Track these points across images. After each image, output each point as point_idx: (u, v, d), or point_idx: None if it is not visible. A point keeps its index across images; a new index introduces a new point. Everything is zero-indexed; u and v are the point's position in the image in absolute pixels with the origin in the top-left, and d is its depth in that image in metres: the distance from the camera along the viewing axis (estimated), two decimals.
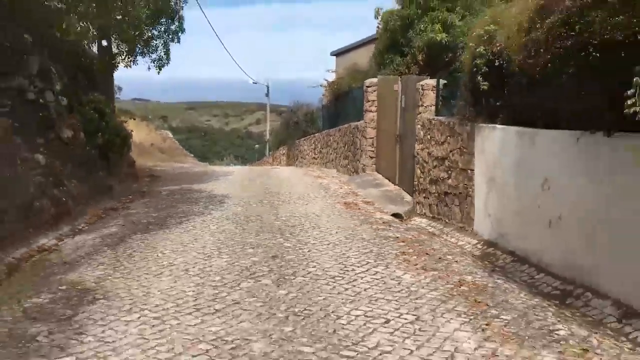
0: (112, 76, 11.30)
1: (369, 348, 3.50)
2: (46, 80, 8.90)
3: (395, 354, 3.43)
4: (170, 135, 26.57)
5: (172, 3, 10.60)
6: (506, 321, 4.00)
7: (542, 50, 4.43)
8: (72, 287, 4.68)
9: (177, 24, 11.42)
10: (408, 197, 9.85)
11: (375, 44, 15.78)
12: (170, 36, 11.32)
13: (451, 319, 4.02)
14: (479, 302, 4.37)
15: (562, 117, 4.75)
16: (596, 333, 3.80)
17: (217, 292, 4.57)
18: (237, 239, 6.43)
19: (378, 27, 15.24)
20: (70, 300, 4.34)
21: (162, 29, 11.13)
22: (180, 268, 5.25)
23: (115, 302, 4.30)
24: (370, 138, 12.53)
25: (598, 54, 3.90)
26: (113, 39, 9.95)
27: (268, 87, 34.73)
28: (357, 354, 3.41)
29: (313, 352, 3.43)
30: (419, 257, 5.84)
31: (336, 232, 6.92)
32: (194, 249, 5.96)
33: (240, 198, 9.48)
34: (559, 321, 4.01)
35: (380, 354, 3.42)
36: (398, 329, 3.82)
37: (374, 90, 12.32)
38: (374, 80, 12.51)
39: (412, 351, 3.47)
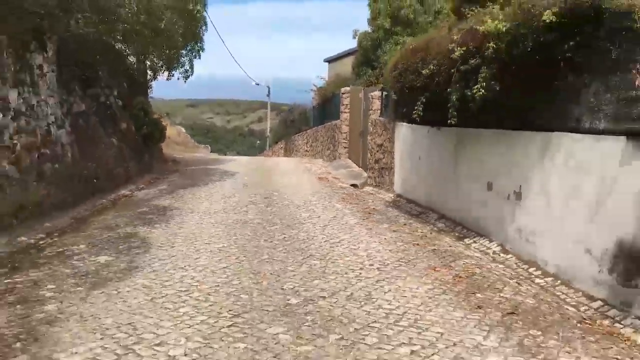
0: (150, 84, 15.32)
1: (312, 224, 7.50)
2: (110, 88, 12.90)
3: (321, 224, 7.42)
4: (183, 130, 30.61)
5: (198, 31, 14.59)
6: (378, 218, 8.02)
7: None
8: (155, 207, 8.68)
9: (199, 44, 15.43)
10: (365, 175, 13.82)
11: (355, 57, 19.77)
12: (194, 54, 15.35)
13: (352, 217, 8.03)
14: (370, 213, 8.39)
15: (425, 120, 8.73)
16: (418, 223, 7.79)
17: (233, 207, 8.57)
18: (244, 191, 10.44)
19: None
20: (158, 210, 8.34)
21: (189, 48, 15.14)
22: (212, 200, 9.25)
23: (182, 211, 8.30)
24: (344, 133, 16.53)
25: (407, 91, 7.79)
26: (155, 59, 13.97)
27: (269, 89, 38.71)
28: (304, 224, 7.40)
29: (280, 221, 7.42)
30: (352, 201, 9.84)
31: (307, 191, 10.93)
32: (218, 193, 9.97)
33: (245, 174, 13.50)
34: (405, 219, 8.01)
35: (313, 225, 7.41)
36: (322, 219, 7.81)
37: (347, 97, 16.31)
38: (347, 88, 16.51)
39: (327, 224, 7.47)
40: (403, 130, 10.10)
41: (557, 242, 5.20)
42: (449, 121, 6.43)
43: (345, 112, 16.51)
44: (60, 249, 5.89)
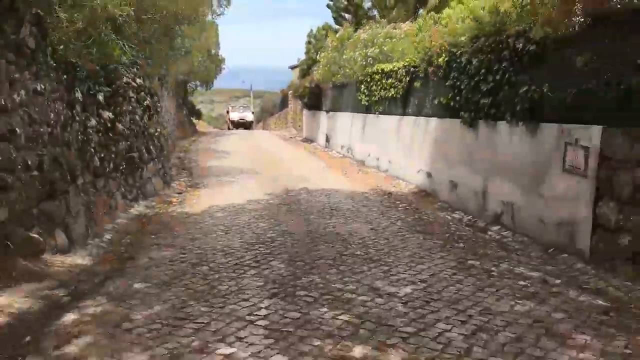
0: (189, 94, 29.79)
1: (272, 147, 22.19)
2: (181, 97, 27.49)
3: (274, 147, 22.13)
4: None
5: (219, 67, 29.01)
6: (295, 144, 22.79)
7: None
8: (210, 141, 23.31)
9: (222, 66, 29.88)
10: (295, 132, 28.57)
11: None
12: (215, 72, 29.82)
13: (285, 143, 22.78)
14: (292, 142, 23.18)
15: (311, 108, 23.52)
16: (308, 144, 22.52)
17: (239, 144, 23.27)
18: (242, 140, 25.14)
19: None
20: (210, 142, 23.00)
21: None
22: (229, 140, 23.89)
23: (219, 143, 22.91)
24: (290, 115, 31.22)
25: (307, 98, 22.53)
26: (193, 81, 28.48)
27: (251, 85, 53.23)
28: (268, 148, 22.09)
29: (258, 147, 22.13)
30: (288, 141, 24.58)
31: (271, 140, 25.62)
32: (231, 140, 24.64)
33: (240, 136, 28.20)
34: (307, 144, 22.75)
35: (271, 147, 22.11)
36: (275, 145, 22.53)
37: (291, 97, 30.98)
38: (291, 92, 31.23)
39: (276, 148, 22.19)
40: (305, 112, 24.90)
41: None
42: (324, 109, 21.23)
43: (290, 104, 31.24)
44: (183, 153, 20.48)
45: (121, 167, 8.10)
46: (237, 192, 9.65)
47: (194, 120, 33.65)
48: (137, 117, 9.31)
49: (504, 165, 7.12)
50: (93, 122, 7.17)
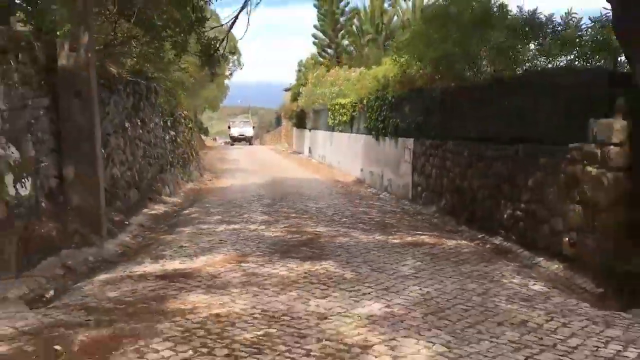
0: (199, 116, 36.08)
1: (267, 159, 28.48)
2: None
3: (269, 160, 28.41)
4: None
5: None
6: (287, 156, 29.09)
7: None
8: (220, 153, 29.61)
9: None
10: (287, 146, 34.86)
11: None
12: (221, 99, 36.11)
13: (279, 156, 29.07)
14: (285, 155, 29.48)
15: (301, 127, 29.87)
16: (297, 155, 28.80)
17: (240, 156, 29.56)
18: (240, 152, 31.42)
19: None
20: (222, 153, 29.30)
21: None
22: (233, 153, 30.22)
23: (227, 153, 29.20)
24: (283, 131, 37.55)
25: (296, 118, 28.87)
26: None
27: (249, 106, 59.61)
28: (264, 160, 28.36)
29: (254, 158, 28.39)
30: (281, 154, 30.87)
31: (266, 153, 31.93)
32: (234, 153, 30.95)
33: (239, 149, 34.47)
34: (295, 155, 29.04)
35: (267, 158, 28.39)
36: (270, 158, 28.80)
37: (284, 117, 37.31)
38: (283, 112, 37.59)
39: (272, 160, 28.48)
40: (294, 130, 31.25)
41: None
42: (307, 128, 27.59)
43: (283, 123, 37.61)
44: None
45: (180, 163, 14.37)
46: (244, 179, 15.94)
47: (203, 137, 39.97)
48: (185, 134, 15.62)
49: (386, 160, 13.40)
50: (167, 137, 13.46)
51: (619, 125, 5.45)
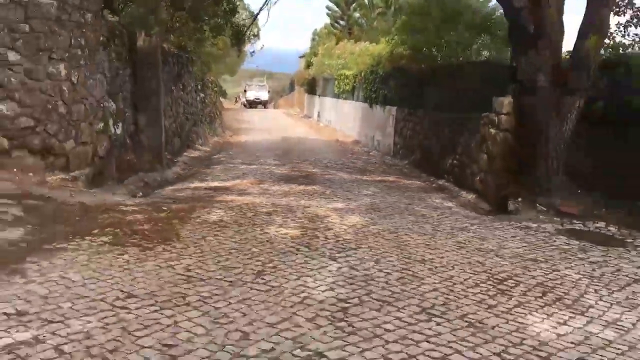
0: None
1: (279, 121, 31.37)
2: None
3: (282, 121, 31.30)
4: None
5: None
6: (297, 119, 31.95)
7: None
8: (232, 117, 32.57)
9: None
10: (299, 110, 37.68)
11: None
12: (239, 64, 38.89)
13: (291, 120, 31.93)
14: (295, 118, 32.35)
15: (327, 94, 32.63)
16: (307, 119, 31.63)
17: (254, 117, 32.46)
18: (255, 114, 34.33)
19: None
20: (239, 114, 32.25)
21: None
22: (249, 114, 33.13)
23: (244, 114, 32.12)
24: (296, 96, 40.29)
25: (307, 85, 31.67)
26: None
27: (265, 74, 62.02)
28: (276, 120, 31.26)
29: (266, 119, 31.29)
30: (292, 117, 33.73)
31: (279, 116, 34.80)
32: (249, 114, 33.87)
33: (254, 111, 37.37)
34: (306, 118, 31.88)
35: (279, 121, 31.27)
36: (282, 121, 31.68)
37: (297, 82, 39.97)
38: (296, 78, 40.24)
39: (283, 122, 31.37)
40: (306, 95, 34.05)
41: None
42: (317, 94, 30.40)
43: (296, 88, 40.31)
44: None
45: (207, 120, 17.37)
46: (259, 136, 18.97)
47: (221, 99, 42.85)
48: (211, 96, 18.58)
49: (377, 124, 16.30)
50: (199, 98, 16.43)
51: (507, 101, 8.33)
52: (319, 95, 29.42)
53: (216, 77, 25.18)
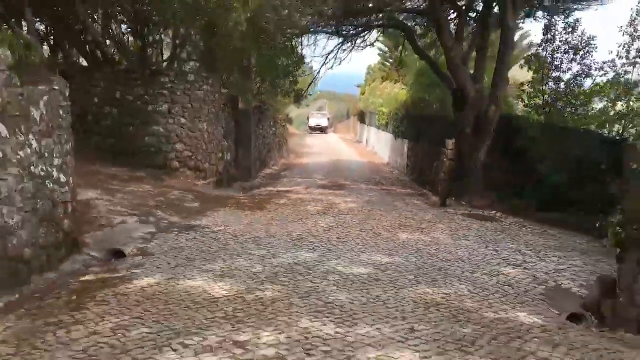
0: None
1: (336, 145, 37.54)
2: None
3: (337, 146, 37.43)
4: None
5: None
6: (352, 144, 38.05)
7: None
8: (296, 142, 39.08)
9: None
10: (354, 137, 43.73)
11: None
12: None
13: (345, 145, 38.03)
14: (350, 144, 38.45)
15: (373, 124, 38.70)
16: (360, 145, 37.58)
17: (316, 141, 38.77)
18: (315, 139, 40.68)
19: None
20: (303, 140, 38.76)
21: None
22: (310, 140, 39.50)
23: (306, 139, 38.53)
24: (352, 124, 46.40)
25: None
26: None
27: (326, 102, 68.79)
28: (334, 145, 37.42)
29: (326, 144, 37.49)
30: (348, 143, 39.84)
31: (335, 141, 41.03)
32: (310, 139, 40.27)
33: (315, 137, 43.81)
34: (362, 144, 37.86)
35: (335, 145, 37.44)
36: (338, 145, 37.83)
37: (351, 112, 46.12)
38: (350, 109, 46.43)
39: (339, 147, 37.52)
40: (358, 124, 40.11)
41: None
42: (366, 123, 36.49)
43: (352, 117, 46.47)
44: None
45: (277, 147, 23.80)
46: (315, 159, 25.27)
47: (288, 125, 49.70)
48: (280, 130, 25.09)
49: (398, 151, 22.08)
50: (271, 132, 22.91)
51: (451, 142, 13.99)
52: (367, 125, 35.40)
53: (284, 110, 31.61)
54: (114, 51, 14.32)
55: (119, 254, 7.12)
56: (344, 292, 5.70)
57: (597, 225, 7.25)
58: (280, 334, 4.40)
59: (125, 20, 14.02)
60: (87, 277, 6.09)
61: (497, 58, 13.11)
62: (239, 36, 12.66)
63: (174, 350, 4.04)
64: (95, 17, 13.75)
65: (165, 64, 14.37)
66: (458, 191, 13.45)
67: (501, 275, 7.07)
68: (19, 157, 5.56)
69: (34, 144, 5.90)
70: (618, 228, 5.67)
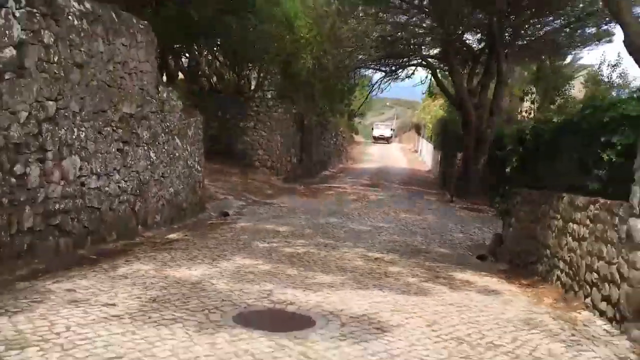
0: None
1: (391, 153, 41.93)
2: None
3: (395, 154, 41.84)
4: None
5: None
6: (409, 153, 42.30)
7: None
8: (358, 150, 43.77)
9: None
10: (414, 147, 47.83)
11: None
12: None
13: (401, 153, 42.33)
14: (407, 153, 42.71)
15: (425, 136, 42.88)
16: (415, 153, 41.73)
17: (376, 148, 43.30)
18: (376, 148, 45.20)
19: None
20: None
21: None
22: (372, 148, 44.06)
23: (366, 147, 43.16)
24: (412, 135, 50.55)
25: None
26: None
27: (396, 114, 72.99)
28: (392, 159, 41.80)
29: (386, 151, 41.92)
30: (405, 153, 44.08)
31: (394, 150, 45.38)
32: (372, 148, 44.82)
33: (377, 146, 48.34)
34: (415, 153, 42.04)
35: (391, 153, 41.85)
36: (395, 154, 42.19)
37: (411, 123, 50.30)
38: (410, 120, 50.58)
39: (395, 155, 41.91)
40: (416, 135, 44.30)
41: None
42: (421, 135, 40.78)
43: (413, 128, 50.63)
44: None
45: (336, 153, 28.75)
46: (368, 164, 30.10)
47: (354, 135, 54.51)
48: (339, 139, 30.04)
49: (436, 159, 26.34)
50: (332, 142, 27.91)
51: (460, 154, 18.26)
52: (421, 136, 39.58)
53: (343, 123, 36.50)
54: (217, 81, 19.81)
55: (225, 214, 12.24)
56: (347, 233, 10.45)
57: None
58: (308, 243, 9.20)
59: (226, 60, 19.44)
60: (211, 221, 11.21)
61: (494, 92, 17.30)
62: (305, 73, 17.71)
63: (263, 241, 8.92)
64: (207, 56, 19.30)
65: (252, 92, 19.70)
66: (462, 191, 17.71)
67: (449, 235, 11.55)
68: (183, 155, 10.79)
69: (188, 149, 11.13)
70: (497, 205, 10.08)
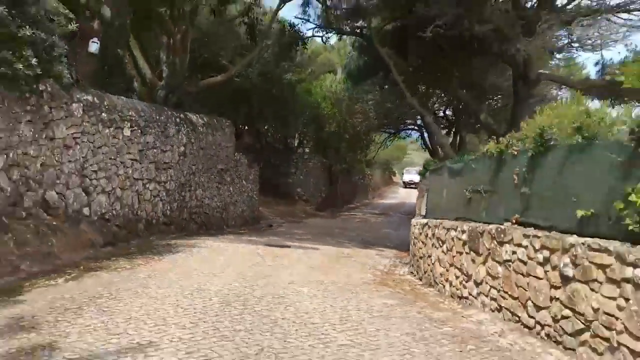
0: None
1: (408, 198, 48.75)
2: None
3: (412, 197, 48.74)
4: None
5: None
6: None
7: None
8: (389, 189, 50.59)
9: None
10: None
11: None
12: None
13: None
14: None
15: None
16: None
17: (402, 190, 50.07)
18: (402, 190, 51.99)
19: None
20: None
21: None
22: (399, 190, 50.85)
23: (393, 190, 49.91)
24: None
25: None
26: None
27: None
28: (406, 197, 48.63)
29: (401, 197, 48.73)
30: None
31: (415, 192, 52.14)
32: (399, 190, 51.62)
33: (404, 190, 55.19)
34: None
35: (410, 197, 48.72)
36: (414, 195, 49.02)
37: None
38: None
39: (410, 197, 48.81)
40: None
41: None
42: None
43: None
44: None
45: (363, 190, 36.10)
46: (388, 200, 37.07)
47: (392, 176, 61.44)
48: (367, 180, 37.49)
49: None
50: (358, 182, 35.34)
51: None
52: None
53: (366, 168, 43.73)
54: (272, 141, 27.86)
55: (270, 225, 19.82)
56: (339, 232, 17.71)
57: None
58: (312, 234, 16.51)
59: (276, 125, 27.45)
60: (262, 228, 18.79)
61: (459, 142, 24.24)
62: (334, 133, 25.42)
63: (289, 235, 16.36)
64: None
65: (294, 148, 27.58)
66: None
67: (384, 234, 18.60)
68: (247, 190, 18.56)
69: (250, 186, 18.91)
70: None
